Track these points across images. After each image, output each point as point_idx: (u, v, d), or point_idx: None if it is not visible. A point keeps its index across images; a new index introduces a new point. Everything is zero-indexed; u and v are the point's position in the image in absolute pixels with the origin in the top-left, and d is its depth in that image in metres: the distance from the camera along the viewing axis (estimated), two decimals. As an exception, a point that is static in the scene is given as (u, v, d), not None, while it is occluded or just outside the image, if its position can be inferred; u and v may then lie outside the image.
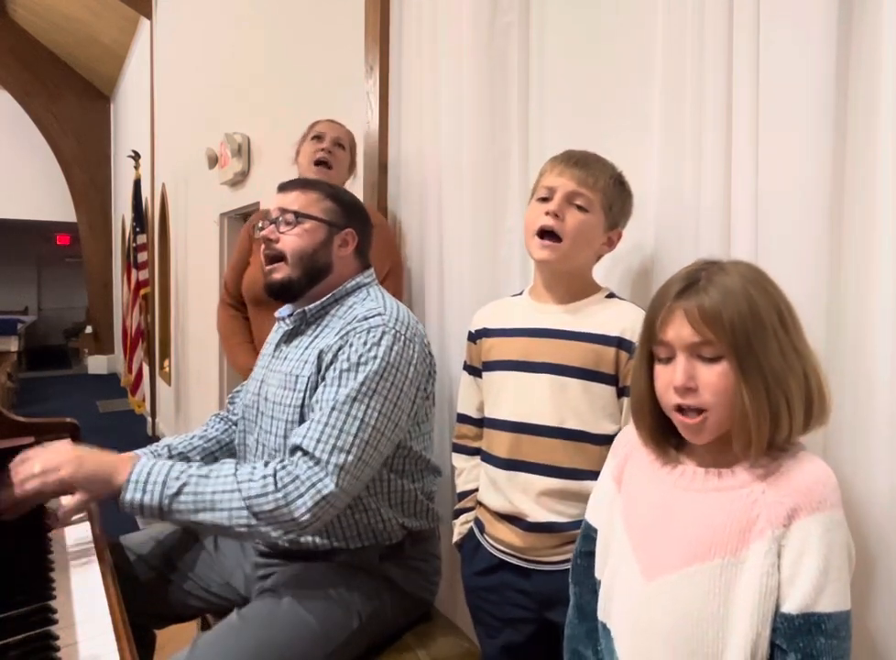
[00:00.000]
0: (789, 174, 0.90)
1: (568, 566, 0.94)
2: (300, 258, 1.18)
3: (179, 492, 1.01)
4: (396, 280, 1.67)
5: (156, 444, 1.34)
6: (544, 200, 1.03)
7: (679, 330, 0.72)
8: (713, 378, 0.71)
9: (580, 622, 0.87)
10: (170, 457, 1.30)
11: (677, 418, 0.74)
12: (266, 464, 1.05)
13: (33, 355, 9.07)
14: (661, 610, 0.73)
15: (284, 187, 1.24)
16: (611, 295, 1.08)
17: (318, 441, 1.03)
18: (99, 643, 0.80)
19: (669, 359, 0.74)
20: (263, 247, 1.21)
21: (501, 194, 1.42)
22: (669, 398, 0.74)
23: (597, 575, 0.85)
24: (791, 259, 0.89)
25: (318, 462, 1.03)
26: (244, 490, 1.01)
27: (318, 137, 1.67)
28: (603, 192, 1.01)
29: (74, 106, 7.56)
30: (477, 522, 1.15)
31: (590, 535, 0.88)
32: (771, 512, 0.68)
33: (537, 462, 1.03)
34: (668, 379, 0.73)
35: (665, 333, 0.73)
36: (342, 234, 1.22)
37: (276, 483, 1.01)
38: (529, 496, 1.03)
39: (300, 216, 1.19)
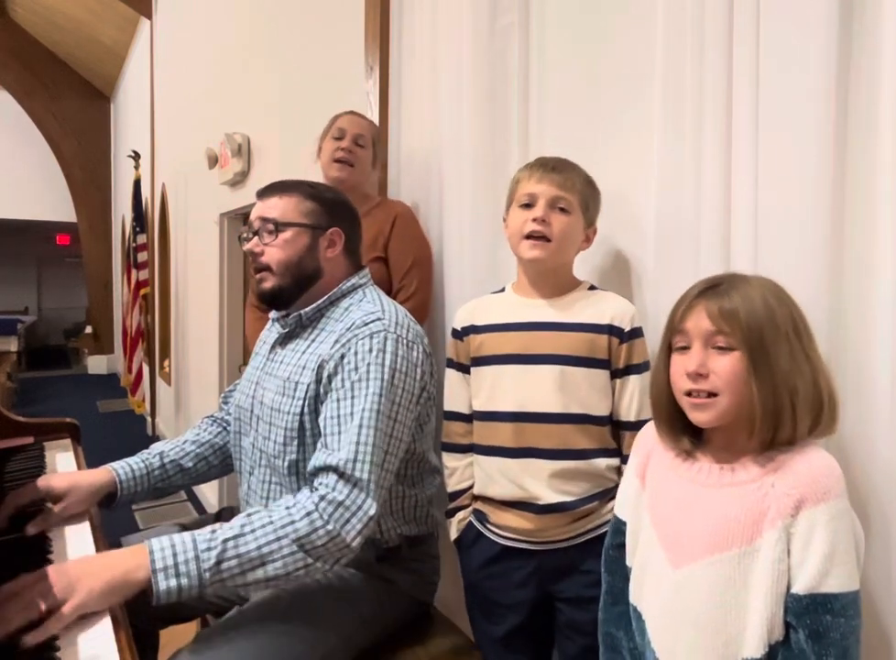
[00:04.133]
0: (789, 177, 0.90)
1: (575, 542, 1.08)
2: (287, 267, 1.17)
3: (220, 561, 0.93)
4: (421, 273, 1.58)
5: (146, 452, 1.31)
6: (527, 206, 1.10)
7: (697, 320, 0.79)
8: (724, 365, 0.77)
9: (612, 606, 0.94)
10: (162, 465, 1.29)
11: (685, 401, 0.80)
12: (297, 500, 1.00)
13: (33, 355, 9.07)
14: (688, 596, 0.79)
15: (262, 193, 1.21)
16: (592, 287, 1.15)
17: (355, 461, 1.01)
18: (99, 644, 0.80)
19: (685, 348, 0.80)
20: (251, 259, 1.20)
21: (501, 194, 1.41)
22: (681, 384, 0.80)
23: (628, 563, 0.92)
24: (791, 264, 0.89)
25: (357, 483, 1.00)
26: (291, 534, 0.96)
27: (339, 136, 1.62)
28: (580, 194, 1.10)
29: (74, 106, 7.56)
30: (478, 513, 1.17)
31: (620, 529, 0.94)
32: (781, 503, 0.74)
33: (546, 447, 1.07)
34: (682, 365, 0.80)
35: (684, 323, 0.80)
36: (327, 235, 1.20)
37: (321, 516, 0.98)
38: (539, 480, 1.07)
39: (280, 226, 1.16)
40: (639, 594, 0.87)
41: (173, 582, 0.90)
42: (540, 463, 1.07)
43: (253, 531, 0.96)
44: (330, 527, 0.97)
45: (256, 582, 0.96)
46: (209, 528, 0.97)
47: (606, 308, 1.08)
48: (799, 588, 0.71)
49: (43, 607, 0.81)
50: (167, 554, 0.91)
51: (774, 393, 0.74)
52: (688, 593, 0.79)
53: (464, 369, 1.20)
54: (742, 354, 0.75)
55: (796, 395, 0.74)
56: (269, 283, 1.18)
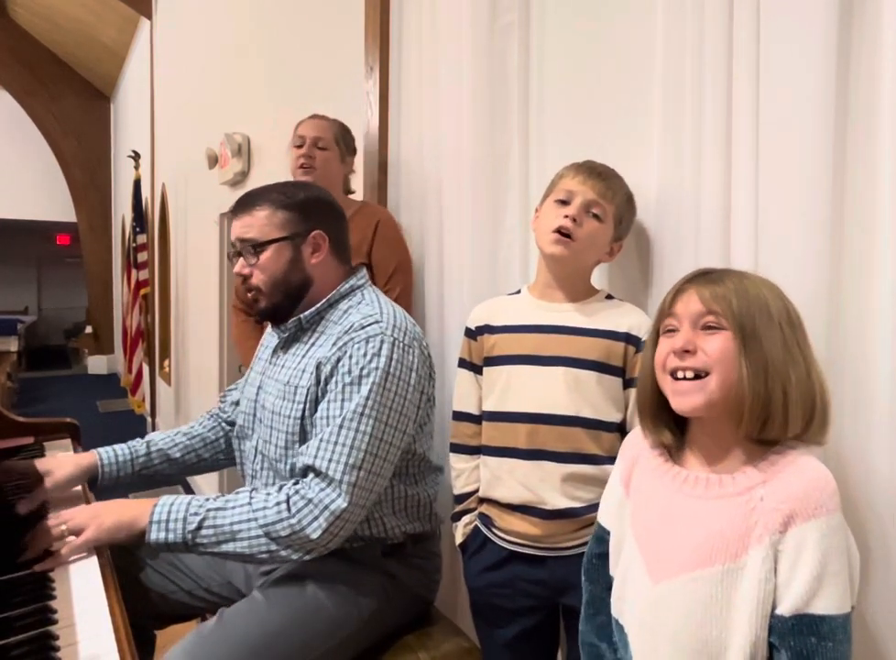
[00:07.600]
0: (789, 177, 0.90)
1: (584, 549, 1.01)
2: (274, 285, 1.17)
3: (199, 527, 1.03)
4: (404, 277, 1.61)
5: (137, 439, 1.35)
6: (562, 203, 1.08)
7: (687, 303, 0.76)
8: (714, 343, 0.74)
9: (593, 617, 0.91)
10: (148, 453, 1.33)
11: (669, 387, 0.76)
12: (280, 488, 1.06)
13: (33, 355, 9.07)
14: (666, 612, 0.75)
15: (235, 211, 1.20)
16: (609, 296, 1.14)
17: (330, 460, 1.04)
18: (99, 643, 0.80)
19: (673, 331, 0.77)
20: (242, 281, 1.20)
21: (501, 194, 1.42)
22: (667, 362, 0.76)
23: (611, 572, 0.88)
24: (790, 260, 0.89)
25: (331, 482, 1.04)
26: (260, 519, 1.03)
27: (299, 143, 1.64)
28: (617, 206, 1.09)
29: (74, 106, 7.56)
30: (483, 517, 1.16)
31: (603, 537, 0.90)
32: (769, 519, 0.70)
33: (558, 450, 1.06)
34: (669, 345, 0.76)
35: (674, 306, 0.77)
36: (309, 240, 1.17)
37: (289, 508, 1.03)
38: (550, 483, 1.06)
39: (258, 247, 1.15)
40: (619, 607, 0.84)
41: (162, 535, 1.03)
42: (552, 466, 1.06)
43: (233, 507, 1.05)
44: (293, 521, 1.02)
45: (227, 554, 1.05)
46: (213, 494, 1.09)
47: (624, 317, 1.09)
48: (784, 609, 0.68)
49: (65, 529, 1.02)
50: (164, 510, 1.05)
51: (766, 378, 0.70)
52: (666, 609, 0.75)
53: (477, 370, 1.18)
54: (733, 334, 0.72)
55: (788, 383, 0.70)
56: (263, 304, 1.18)
